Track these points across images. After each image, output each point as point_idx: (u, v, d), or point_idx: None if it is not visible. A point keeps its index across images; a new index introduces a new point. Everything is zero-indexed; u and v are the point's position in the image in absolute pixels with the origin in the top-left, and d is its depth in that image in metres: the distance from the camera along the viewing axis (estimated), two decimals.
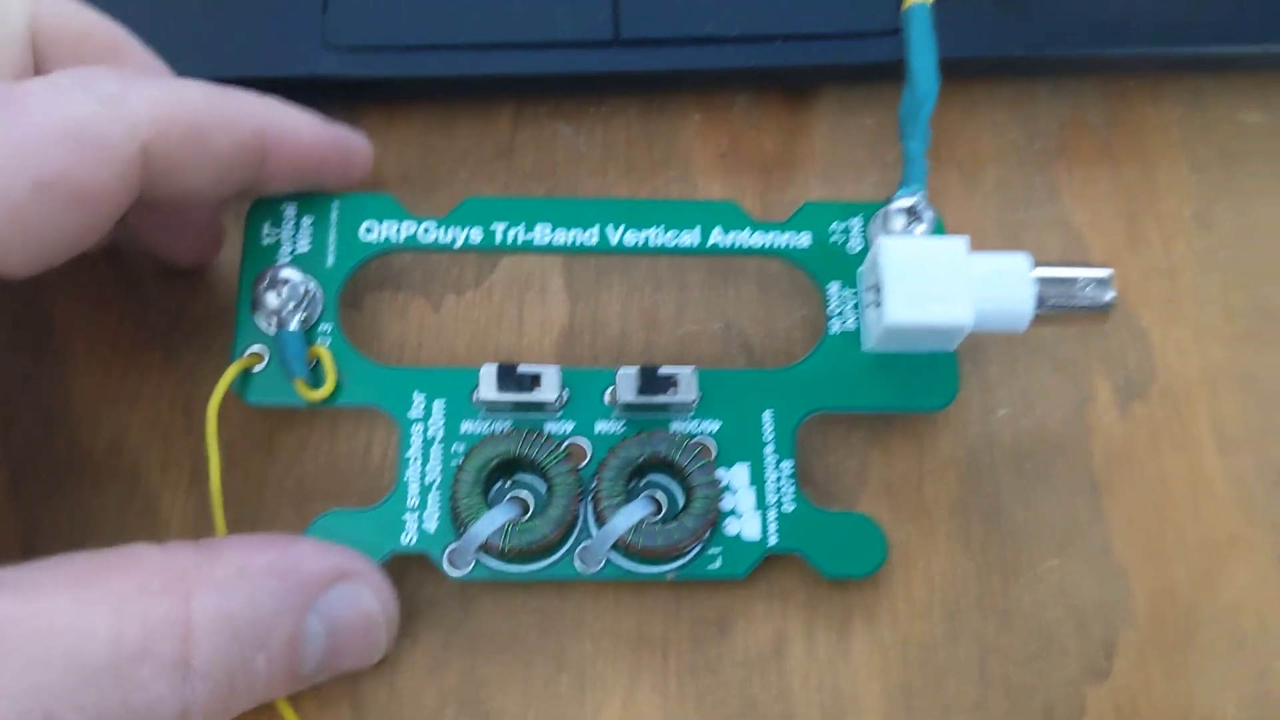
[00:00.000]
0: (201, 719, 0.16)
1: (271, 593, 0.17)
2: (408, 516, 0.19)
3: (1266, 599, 0.21)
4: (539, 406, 0.20)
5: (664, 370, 0.20)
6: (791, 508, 0.20)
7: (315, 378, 0.20)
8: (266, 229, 0.21)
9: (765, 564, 0.20)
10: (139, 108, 0.18)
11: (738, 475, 0.20)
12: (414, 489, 0.20)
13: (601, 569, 0.19)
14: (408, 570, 0.20)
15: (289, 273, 0.20)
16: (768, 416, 0.20)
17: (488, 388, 0.19)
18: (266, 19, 0.24)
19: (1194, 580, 0.21)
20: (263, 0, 0.24)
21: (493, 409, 0.20)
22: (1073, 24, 0.24)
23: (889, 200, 0.21)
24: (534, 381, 0.20)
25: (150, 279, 0.23)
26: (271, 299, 0.20)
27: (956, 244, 0.20)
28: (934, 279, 0.19)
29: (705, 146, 0.25)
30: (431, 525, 0.19)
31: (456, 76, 0.24)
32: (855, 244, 0.22)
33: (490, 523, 0.19)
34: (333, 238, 0.21)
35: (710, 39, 0.24)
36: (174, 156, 0.18)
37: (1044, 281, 0.20)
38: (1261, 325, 0.23)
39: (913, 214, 0.21)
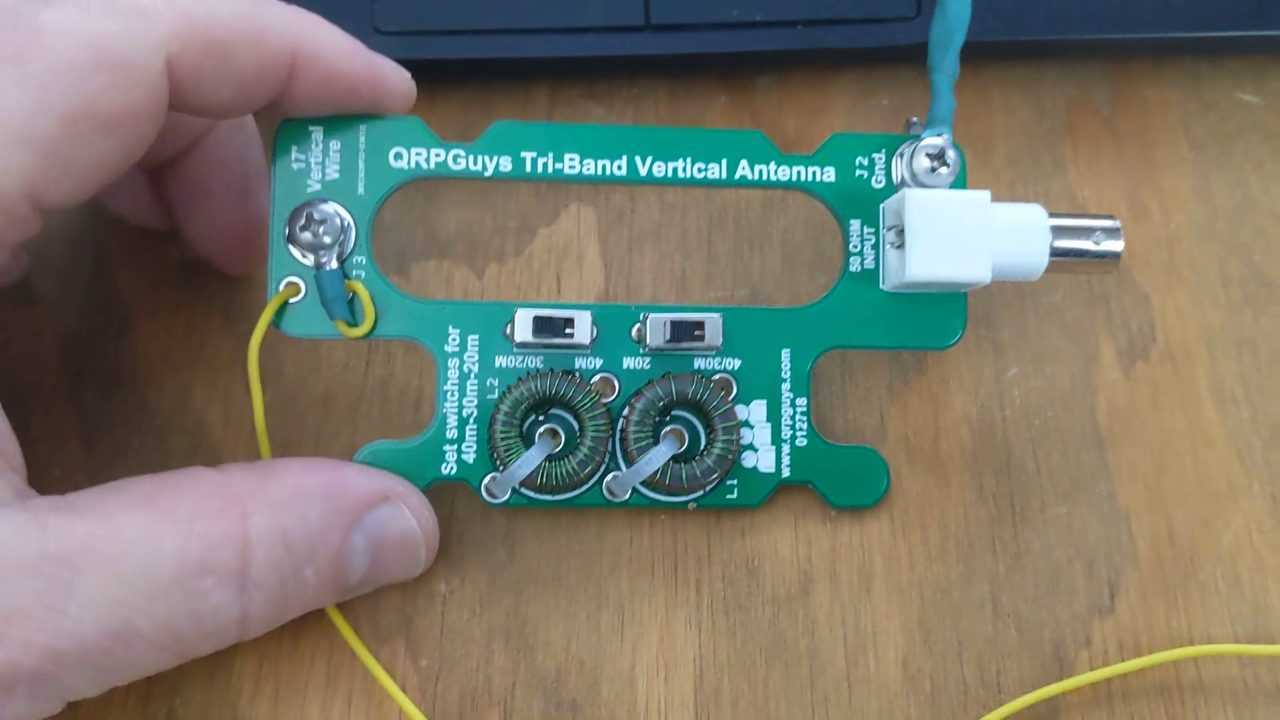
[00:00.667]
0: (257, 624, 0.18)
1: (320, 512, 0.19)
2: (447, 448, 0.21)
3: (1262, 542, 0.22)
4: (571, 345, 0.21)
5: (692, 317, 0.21)
6: (804, 442, 0.21)
7: (354, 314, 0.21)
8: (295, 153, 0.21)
9: (791, 508, 0.21)
10: (163, 19, 0.17)
11: (755, 411, 0.21)
12: (452, 421, 0.21)
13: (628, 499, 0.21)
14: (455, 514, 0.22)
15: (326, 209, 0.21)
16: (785, 355, 0.22)
17: (523, 331, 0.20)
18: (319, 5, 0.25)
19: (1193, 525, 0.22)
20: None
21: (526, 347, 0.21)
22: (1078, 9, 0.26)
23: (917, 137, 0.21)
24: (568, 324, 0.21)
25: None
26: (308, 236, 0.20)
27: (979, 197, 0.20)
28: (957, 234, 0.20)
29: (730, 126, 0.26)
30: (470, 456, 0.21)
31: (495, 59, 0.25)
32: (879, 180, 0.22)
33: (528, 463, 0.20)
34: (362, 164, 0.21)
35: (735, 24, 0.25)
36: (196, 71, 0.18)
37: (1058, 230, 0.21)
38: (1256, 291, 0.24)
39: (939, 157, 0.21)
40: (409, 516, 0.20)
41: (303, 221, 0.21)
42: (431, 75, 0.26)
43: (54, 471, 0.22)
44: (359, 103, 0.21)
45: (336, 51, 0.20)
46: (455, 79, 0.26)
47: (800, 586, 0.22)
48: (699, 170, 0.22)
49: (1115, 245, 0.21)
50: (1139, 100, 0.27)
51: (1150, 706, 0.21)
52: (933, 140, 0.21)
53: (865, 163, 0.22)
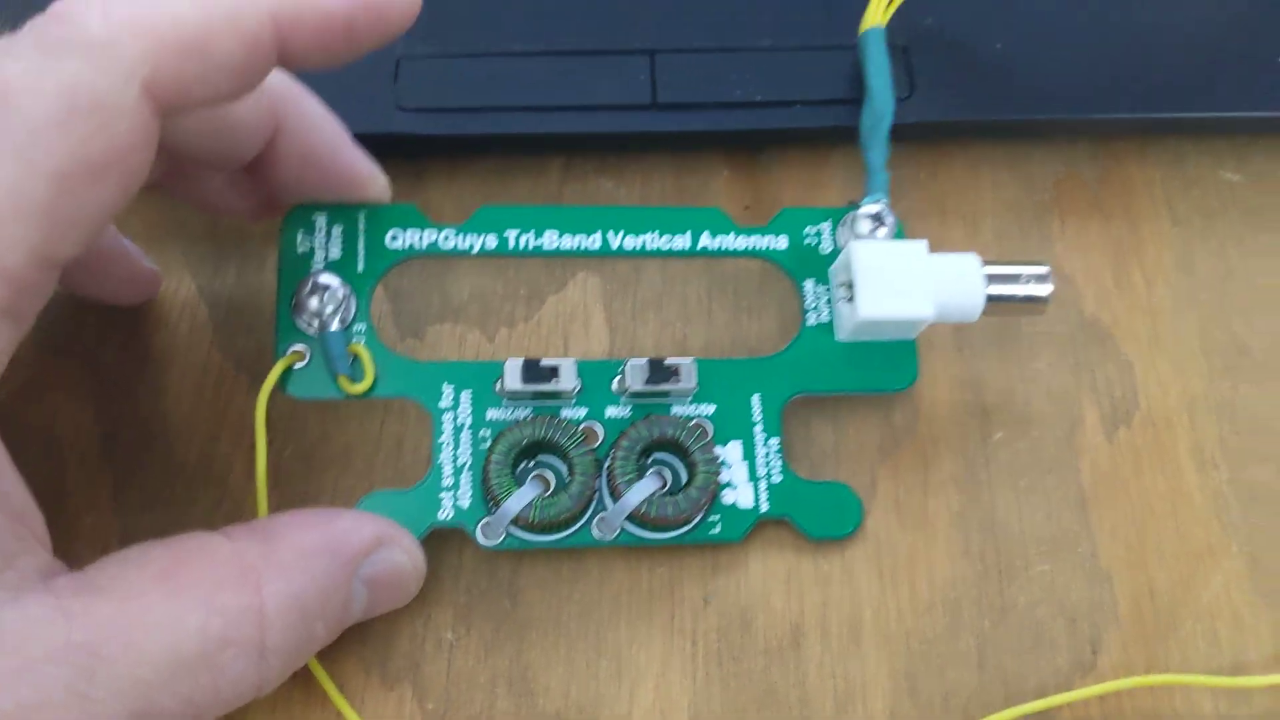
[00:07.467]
0: (273, 684, 0.19)
1: (326, 569, 0.19)
2: (443, 495, 0.22)
3: (1240, 602, 0.23)
4: (556, 395, 0.22)
5: (669, 361, 0.22)
6: (779, 479, 0.22)
7: (355, 373, 0.23)
8: (300, 237, 0.23)
9: (785, 562, 0.22)
10: (128, 45, 0.16)
11: (731, 452, 0.23)
12: (448, 470, 0.22)
13: (616, 537, 0.22)
14: (463, 566, 0.23)
15: (328, 278, 0.23)
16: (756, 399, 0.23)
17: (513, 379, 0.22)
18: (346, 84, 0.26)
19: (1173, 584, 0.23)
20: (343, 69, 0.27)
21: (515, 398, 0.22)
22: (1065, 90, 0.27)
23: (856, 205, 0.24)
24: (553, 373, 0.22)
25: (237, 315, 0.26)
26: (313, 303, 0.22)
27: (918, 246, 0.23)
28: (899, 278, 0.22)
29: (732, 199, 0.28)
30: (465, 502, 0.22)
31: (512, 134, 0.27)
32: (827, 246, 0.25)
33: (520, 499, 0.21)
34: (361, 245, 0.23)
35: (737, 104, 0.27)
36: (178, 80, 0.17)
37: (992, 277, 0.23)
38: (1236, 360, 0.25)
39: (877, 219, 0.24)
40: (401, 555, 0.21)
41: (309, 288, 0.22)
42: (452, 149, 0.27)
43: (86, 519, 0.23)
44: (364, 34, 0.19)
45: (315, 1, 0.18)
46: (474, 153, 0.28)
47: (792, 639, 0.22)
48: (665, 242, 0.24)
49: (1044, 290, 0.23)
50: (1124, 177, 0.28)
51: None
52: (870, 207, 0.24)
53: (814, 231, 0.25)
